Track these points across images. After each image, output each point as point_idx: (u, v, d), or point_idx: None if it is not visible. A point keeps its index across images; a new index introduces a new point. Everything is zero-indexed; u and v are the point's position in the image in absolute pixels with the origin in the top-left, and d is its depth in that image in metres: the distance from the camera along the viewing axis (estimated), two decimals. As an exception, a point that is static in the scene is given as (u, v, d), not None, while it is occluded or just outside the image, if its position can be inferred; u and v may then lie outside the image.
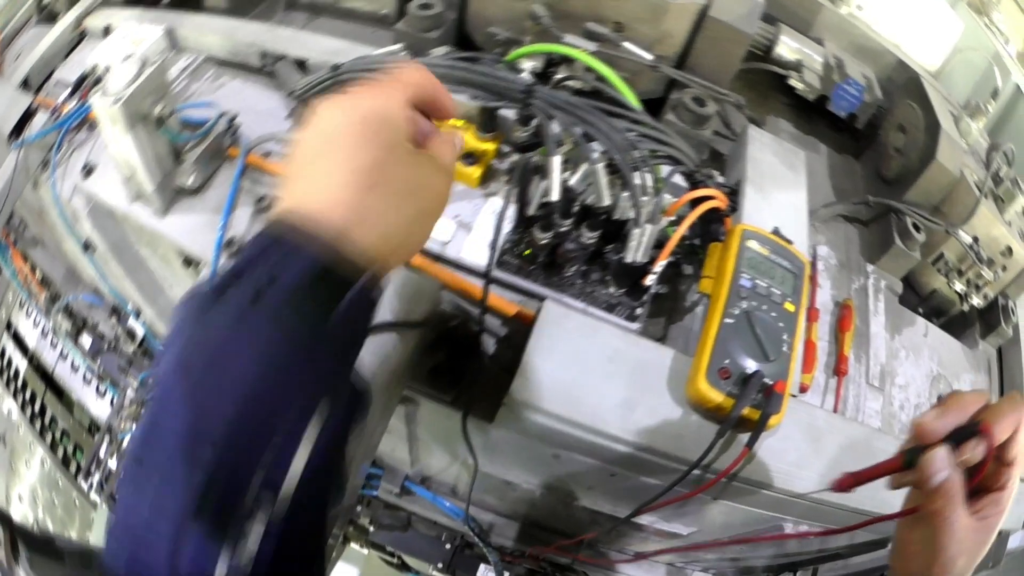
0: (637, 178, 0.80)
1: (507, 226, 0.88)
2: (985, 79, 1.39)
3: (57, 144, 1.18)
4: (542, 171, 0.81)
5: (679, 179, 0.91)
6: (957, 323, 1.27)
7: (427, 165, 0.50)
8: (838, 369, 1.04)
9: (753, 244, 0.88)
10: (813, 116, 1.25)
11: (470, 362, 0.84)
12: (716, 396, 0.77)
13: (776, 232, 0.93)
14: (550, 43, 0.92)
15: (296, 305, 0.42)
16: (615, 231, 0.86)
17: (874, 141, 1.27)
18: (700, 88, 1.02)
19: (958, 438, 0.55)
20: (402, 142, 0.49)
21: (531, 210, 0.84)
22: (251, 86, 1.11)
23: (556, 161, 0.78)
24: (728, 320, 0.82)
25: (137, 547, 0.41)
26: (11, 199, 1.24)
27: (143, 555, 0.40)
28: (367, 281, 0.45)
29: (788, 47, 1.14)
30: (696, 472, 0.78)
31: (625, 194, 0.83)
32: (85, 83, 1.22)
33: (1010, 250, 1.22)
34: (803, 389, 0.99)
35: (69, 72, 1.30)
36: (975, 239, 1.18)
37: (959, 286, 1.21)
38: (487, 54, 0.88)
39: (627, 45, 0.97)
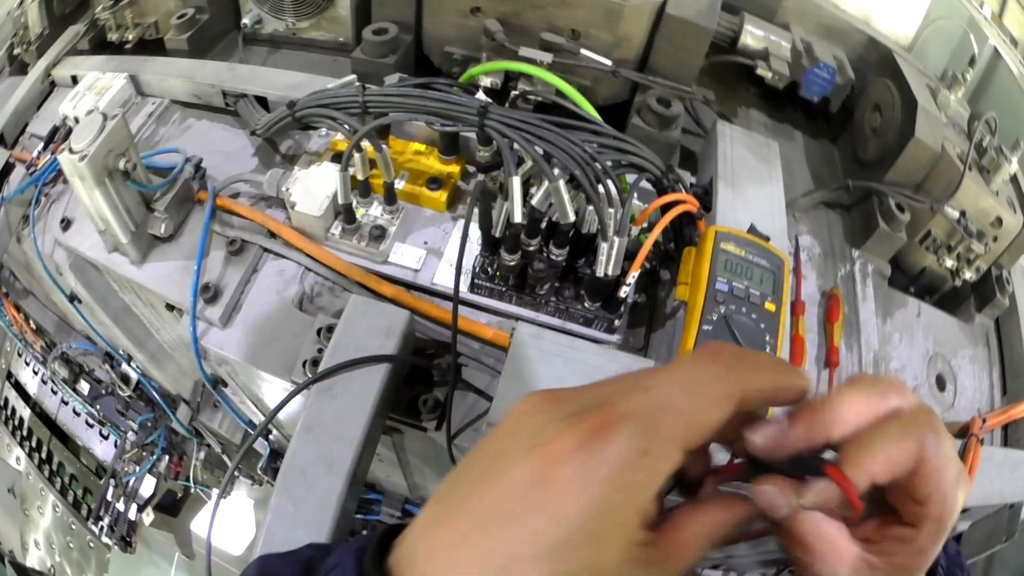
0: (601, 190, 0.79)
1: (476, 248, 0.87)
2: (961, 47, 1.36)
3: (35, 199, 1.19)
4: (506, 192, 0.80)
5: (649, 186, 0.90)
6: (951, 299, 1.25)
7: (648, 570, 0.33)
8: (829, 361, 1.02)
9: (728, 246, 0.86)
10: (785, 104, 1.23)
11: (450, 388, 0.83)
12: (696, 407, 0.76)
13: (752, 230, 0.91)
14: (505, 59, 0.91)
15: None
16: (585, 245, 0.85)
17: (850, 123, 1.25)
18: (664, 88, 1.01)
19: (800, 469, 0.37)
20: (630, 551, 0.32)
21: (497, 232, 0.83)
22: (216, 127, 1.11)
23: (515, 183, 0.77)
24: (706, 327, 0.81)
25: None
26: (-2, 248, 1.26)
27: None
28: None
29: (753, 36, 1.12)
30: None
31: (590, 208, 0.82)
32: (57, 135, 1.23)
33: (1000, 220, 1.20)
34: (793, 385, 0.98)
35: (41, 125, 1.31)
36: (962, 213, 1.16)
37: (949, 262, 1.19)
38: (440, 79, 0.87)
39: (585, 52, 0.96)
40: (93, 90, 1.20)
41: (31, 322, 1.36)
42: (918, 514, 0.37)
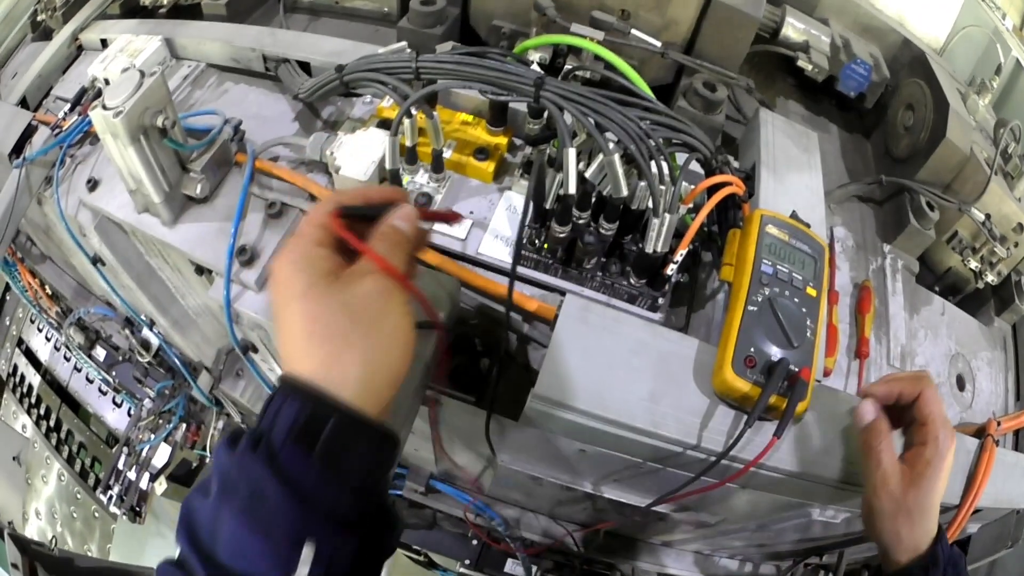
0: (653, 167, 0.79)
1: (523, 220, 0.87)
2: (987, 55, 1.38)
3: (59, 160, 1.17)
4: (556, 164, 0.80)
5: (695, 166, 0.90)
6: (973, 300, 1.26)
7: (348, 286, 0.51)
8: (859, 351, 1.03)
9: (772, 229, 0.87)
10: (820, 97, 1.25)
11: (492, 360, 0.83)
12: (743, 385, 0.76)
13: (794, 216, 0.92)
14: (557, 34, 0.91)
15: (291, 449, 0.47)
16: (633, 222, 0.85)
17: (883, 120, 1.26)
18: (710, 73, 1.01)
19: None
20: (317, 282, 0.51)
21: (548, 204, 0.83)
22: (255, 91, 1.10)
23: (571, 154, 0.77)
24: (751, 308, 0.81)
25: None
26: (15, 217, 1.23)
27: None
28: (340, 420, 0.48)
29: (795, 28, 1.13)
30: (723, 462, 0.77)
31: (642, 184, 0.82)
32: (85, 97, 1.21)
33: (1021, 227, 1.22)
34: (826, 373, 0.98)
35: (67, 88, 1.29)
36: (987, 216, 1.17)
37: (974, 263, 1.20)
38: (493, 48, 0.86)
39: (635, 33, 0.96)
40: (125, 52, 1.18)
41: (47, 288, 1.34)
42: (924, 433, 0.72)
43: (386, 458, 0.52)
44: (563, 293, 0.87)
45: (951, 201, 1.16)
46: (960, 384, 1.17)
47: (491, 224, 0.91)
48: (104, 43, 1.29)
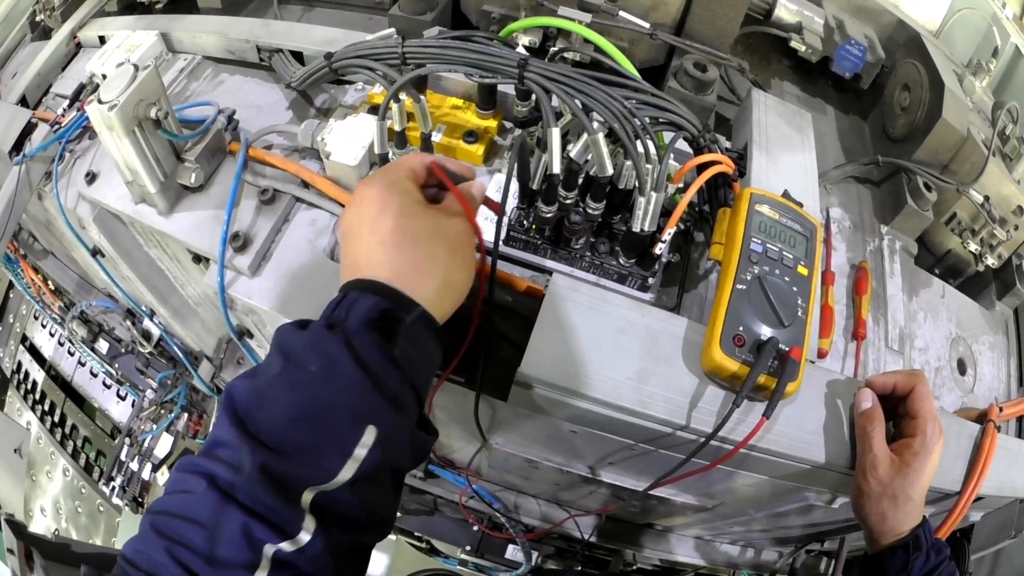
0: (639, 146, 0.79)
1: (512, 201, 0.87)
2: (985, 39, 1.36)
3: (59, 155, 1.19)
4: (542, 144, 0.80)
5: (685, 146, 0.90)
6: (973, 284, 1.25)
7: (439, 215, 0.61)
8: (856, 333, 1.02)
9: (762, 208, 0.86)
10: (817, 77, 1.24)
11: (481, 341, 0.83)
12: (731, 364, 0.76)
13: (786, 195, 0.91)
14: (545, 17, 0.91)
15: (364, 337, 0.51)
16: (621, 201, 0.85)
17: (879, 100, 1.25)
18: (700, 53, 1.01)
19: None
20: (411, 207, 0.59)
21: (534, 184, 0.83)
22: (250, 81, 1.11)
23: (555, 134, 0.77)
24: (740, 286, 0.81)
25: (181, 530, 0.45)
26: (16, 213, 1.25)
27: (186, 537, 0.45)
28: (419, 315, 0.54)
29: (787, 9, 1.12)
30: (713, 443, 0.77)
31: (628, 163, 0.81)
32: (83, 93, 1.23)
33: (1021, 209, 1.20)
34: (821, 354, 0.97)
35: (66, 85, 1.31)
36: (986, 198, 1.16)
37: (973, 246, 1.19)
38: (480, 32, 0.87)
39: (623, 14, 0.96)
40: (122, 48, 1.20)
41: (49, 283, 1.36)
42: (913, 426, 0.77)
43: (437, 365, 0.59)
44: (552, 273, 0.87)
45: (949, 182, 1.15)
46: (961, 368, 1.16)
47: (482, 206, 0.91)
48: (102, 40, 1.31)
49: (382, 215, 0.58)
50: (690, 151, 0.91)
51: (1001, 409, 1.10)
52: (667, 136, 0.88)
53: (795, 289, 0.83)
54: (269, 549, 0.45)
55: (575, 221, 0.83)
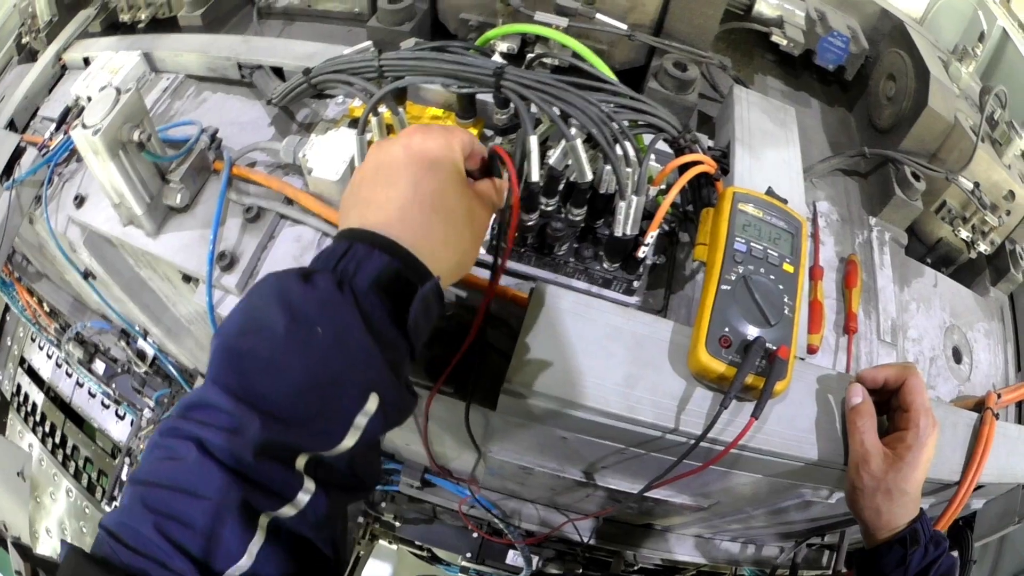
0: (618, 150, 0.79)
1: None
2: (971, 24, 1.35)
3: (48, 179, 1.20)
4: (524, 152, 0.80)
5: (667, 147, 0.90)
6: (967, 271, 1.24)
7: (476, 199, 0.60)
8: (847, 327, 1.02)
9: (746, 207, 0.86)
10: (800, 71, 1.23)
11: (470, 351, 0.83)
12: (718, 366, 0.76)
13: (770, 192, 0.91)
14: (521, 23, 0.91)
15: (372, 298, 0.49)
16: (603, 205, 0.85)
17: (865, 91, 1.24)
18: (680, 53, 1.00)
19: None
20: (458, 178, 0.58)
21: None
22: (232, 99, 1.11)
23: (532, 141, 0.77)
24: (725, 287, 0.80)
25: (170, 502, 0.42)
26: (8, 237, 1.26)
27: (175, 509, 0.42)
28: (433, 286, 0.52)
29: (768, 3, 1.12)
30: (704, 445, 0.77)
31: (608, 167, 0.81)
32: (69, 116, 1.24)
33: (1012, 194, 1.19)
34: (812, 350, 0.97)
35: (53, 108, 1.31)
36: (976, 184, 1.15)
37: (965, 233, 1.18)
38: (456, 42, 0.86)
39: (600, 17, 0.96)
40: (106, 69, 1.20)
41: (44, 305, 1.37)
42: (906, 419, 0.76)
43: (430, 329, 0.57)
44: (536, 280, 0.87)
45: (937, 170, 1.14)
46: (957, 356, 1.15)
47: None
48: (87, 61, 1.31)
49: (431, 174, 0.56)
50: (672, 152, 0.91)
51: (999, 396, 1.10)
52: (648, 139, 0.88)
53: (781, 287, 0.83)
54: (266, 518, 0.44)
55: (557, 228, 0.83)
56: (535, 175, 0.79)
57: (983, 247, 1.21)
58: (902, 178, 1.11)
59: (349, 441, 0.47)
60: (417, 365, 0.89)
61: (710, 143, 0.96)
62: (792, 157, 1.00)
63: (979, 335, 1.20)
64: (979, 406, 1.02)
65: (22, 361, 1.46)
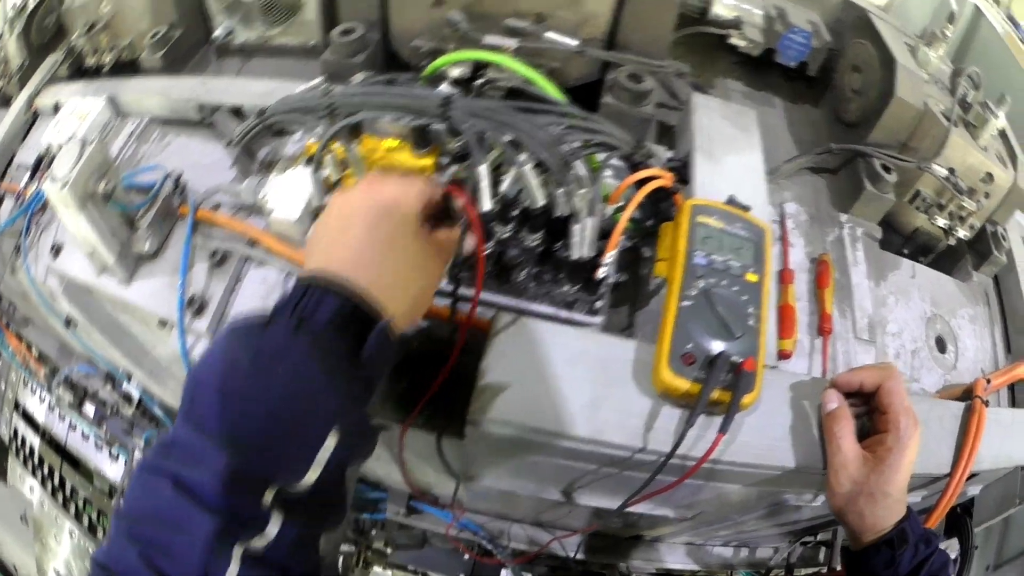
0: (569, 172, 0.79)
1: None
2: (941, 5, 1.33)
3: (25, 228, 1.21)
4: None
5: (624, 164, 0.89)
6: (946, 258, 1.23)
7: (431, 249, 0.63)
8: (821, 328, 1.01)
9: (705, 219, 0.85)
10: (764, 69, 1.22)
11: (435, 381, 0.83)
12: (682, 384, 0.76)
13: (731, 201, 0.90)
14: (468, 49, 0.90)
15: (329, 338, 0.52)
16: (560, 228, 0.85)
17: (830, 85, 1.23)
18: (634, 64, 1.00)
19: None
20: (412, 226, 0.61)
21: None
22: (195, 141, 1.12)
23: (482, 171, 0.77)
24: (685, 303, 0.80)
25: (153, 534, 0.46)
26: (-9, 284, 1.27)
27: (158, 540, 0.45)
28: (385, 328, 0.55)
29: (724, 5, 1.11)
30: (675, 462, 0.77)
31: (562, 190, 0.81)
32: (42, 165, 1.25)
33: (991, 176, 1.18)
34: (785, 356, 0.96)
35: (28, 155, 1.32)
36: (951, 170, 1.14)
37: (942, 221, 1.16)
38: (404, 74, 0.86)
39: (549, 35, 0.95)
40: (74, 115, 1.21)
41: (33, 350, 1.38)
42: (885, 422, 0.75)
43: (391, 368, 0.60)
44: (500, 307, 0.87)
45: (908, 160, 1.13)
46: (941, 346, 1.14)
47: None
48: (57, 107, 1.32)
49: (386, 220, 0.59)
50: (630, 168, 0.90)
51: (988, 381, 1.09)
52: (601, 157, 0.88)
53: (745, 298, 0.82)
54: (239, 548, 0.46)
55: (514, 255, 0.83)
56: (487, 204, 0.79)
57: (962, 233, 1.19)
58: (872, 172, 1.10)
59: (312, 475, 0.49)
60: (388, 400, 0.89)
61: (670, 154, 0.95)
62: (754, 161, 0.99)
63: (963, 322, 1.19)
64: (967, 394, 1.01)
65: (16, 405, 1.48)
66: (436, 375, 0.84)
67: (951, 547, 1.23)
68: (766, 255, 0.86)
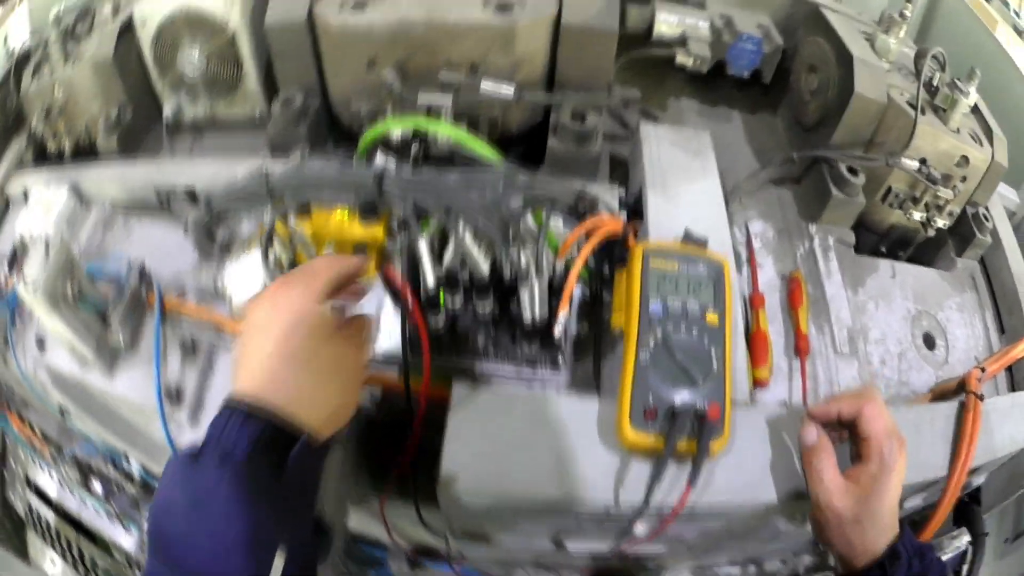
0: (511, 234, 0.78)
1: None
2: (897, -10, 1.28)
3: (10, 320, 1.23)
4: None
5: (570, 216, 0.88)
6: (927, 248, 1.19)
7: (344, 345, 0.64)
8: (798, 348, 0.99)
9: (658, 263, 0.84)
10: (716, 83, 1.18)
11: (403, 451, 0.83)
12: (645, 440, 0.75)
13: (687, 236, 0.89)
14: (398, 116, 0.90)
15: (254, 467, 0.54)
16: (509, 291, 0.84)
17: (787, 89, 1.19)
18: (575, 102, 0.98)
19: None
20: (321, 330, 0.62)
21: (420, 294, 0.83)
22: (158, 226, 1.12)
23: (422, 247, 0.77)
24: (643, 355, 0.79)
25: None
26: (-13, 376, 1.30)
27: None
28: (304, 444, 0.57)
29: (667, 23, 1.08)
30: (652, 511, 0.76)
31: (505, 253, 0.80)
32: (17, 258, 1.26)
33: (966, 159, 1.14)
34: (762, 383, 0.95)
35: (5, 243, 1.34)
36: (922, 161, 1.10)
37: (918, 214, 1.13)
38: (337, 151, 0.86)
39: (485, 86, 0.94)
40: (41, 206, 1.22)
41: (36, 430, 1.41)
42: (867, 449, 0.73)
43: (320, 475, 0.64)
44: (461, 370, 0.86)
45: (875, 158, 1.09)
46: (929, 343, 1.12)
47: (382, 317, 0.91)
48: (25, 195, 1.33)
49: (294, 331, 0.60)
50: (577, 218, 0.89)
51: (983, 370, 1.07)
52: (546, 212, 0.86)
53: (706, 340, 0.81)
54: None
55: (466, 325, 0.82)
56: (431, 280, 0.79)
57: (941, 222, 1.16)
58: (837, 176, 1.07)
59: None
60: (362, 472, 0.90)
61: (622, 193, 0.93)
62: (711, 187, 0.97)
63: (951, 313, 1.16)
64: (961, 387, 0.99)
65: (28, 481, 1.51)
66: (405, 446, 0.85)
67: (960, 536, 1.21)
68: (727, 291, 0.85)
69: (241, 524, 0.52)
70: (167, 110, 1.16)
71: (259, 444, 0.55)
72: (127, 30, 1.17)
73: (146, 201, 1.13)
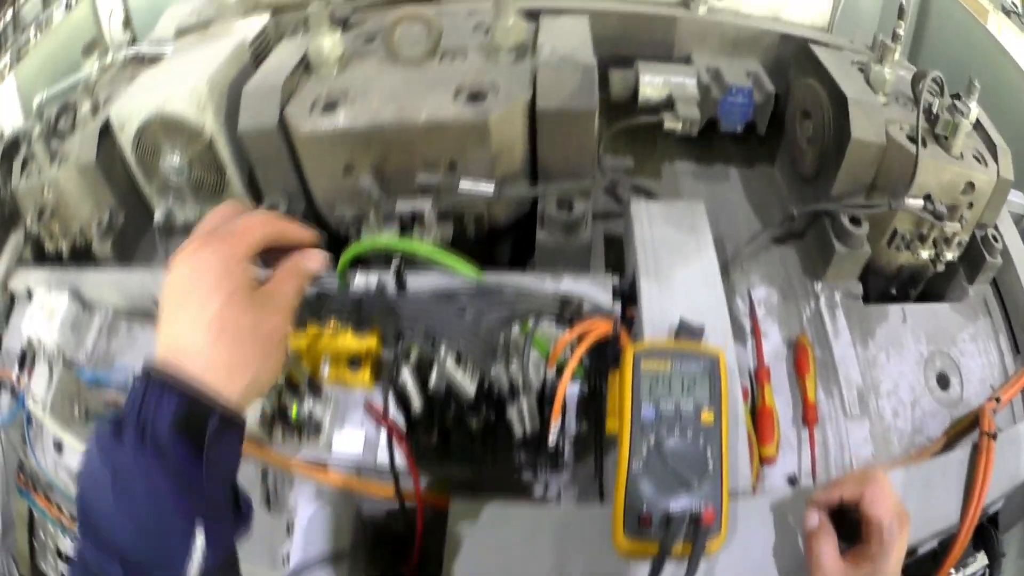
0: (495, 352, 0.77)
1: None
2: (889, 2, 1.21)
3: (26, 419, 1.26)
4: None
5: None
6: (938, 282, 1.15)
7: (264, 306, 0.59)
8: (806, 418, 0.97)
9: (649, 364, 0.82)
10: (710, 139, 1.13)
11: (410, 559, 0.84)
12: (640, 548, 0.74)
13: (681, 327, 0.87)
14: (368, 239, 0.89)
15: (173, 443, 0.52)
16: (500, 407, 0.83)
17: (783, 137, 1.14)
18: (560, 192, 0.95)
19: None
20: (241, 292, 0.57)
21: (412, 414, 0.82)
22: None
23: (405, 374, 0.76)
24: (635, 464, 0.78)
25: None
26: (10, 474, 1.34)
27: None
28: (224, 414, 0.55)
29: (652, 86, 1.03)
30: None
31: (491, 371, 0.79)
32: (27, 359, 1.29)
33: (972, 185, 1.08)
34: (768, 461, 0.93)
35: (13, 337, 1.36)
36: (927, 198, 1.05)
37: (926, 253, 1.09)
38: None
39: (463, 185, 0.91)
40: (44, 310, 1.23)
41: (64, 510, 1.45)
42: (868, 531, 0.71)
43: (240, 450, 0.60)
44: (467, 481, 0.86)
45: (877, 204, 1.05)
46: (943, 383, 1.08)
47: (382, 431, 0.91)
48: (29, 293, 1.34)
49: (213, 294, 0.56)
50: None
51: (998, 400, 1.04)
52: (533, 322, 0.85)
53: (701, 441, 0.79)
54: None
55: (457, 442, 0.82)
56: (417, 406, 0.79)
57: (950, 255, 1.11)
58: (840, 229, 1.03)
59: (193, 570, 0.52)
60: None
61: (615, 281, 0.91)
62: (707, 264, 0.93)
63: (965, 345, 1.12)
64: (974, 423, 0.97)
65: (59, 553, 1.56)
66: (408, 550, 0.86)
67: (978, 561, 1.19)
68: (722, 384, 0.82)
69: (161, 504, 0.52)
70: (158, 215, 1.15)
71: (177, 417, 0.53)
72: (107, 131, 1.17)
73: (145, 309, 1.14)
